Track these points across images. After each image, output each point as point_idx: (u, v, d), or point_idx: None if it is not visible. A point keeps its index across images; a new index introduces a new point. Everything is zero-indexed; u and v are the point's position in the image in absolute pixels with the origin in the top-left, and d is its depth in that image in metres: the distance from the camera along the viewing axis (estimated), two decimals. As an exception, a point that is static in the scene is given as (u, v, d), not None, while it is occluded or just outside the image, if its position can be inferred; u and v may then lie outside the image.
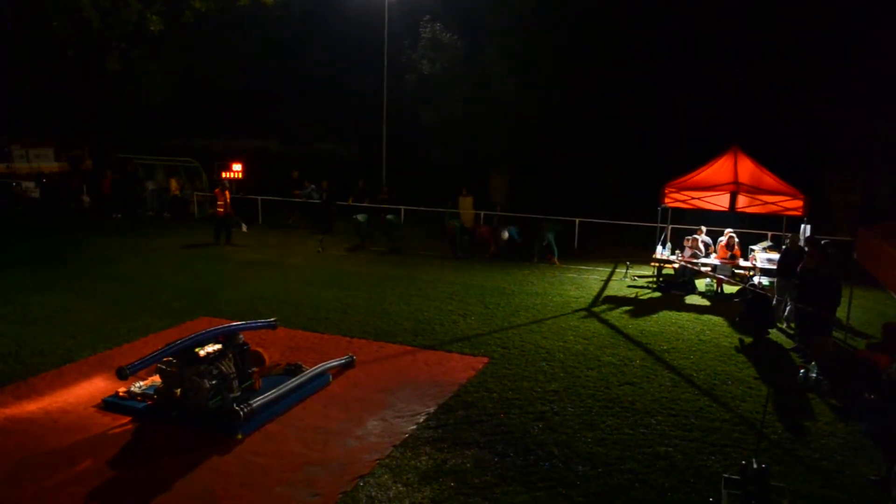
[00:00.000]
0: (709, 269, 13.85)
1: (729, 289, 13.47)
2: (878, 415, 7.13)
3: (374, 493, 5.82)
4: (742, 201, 13.41)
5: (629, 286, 14.18)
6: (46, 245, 17.13)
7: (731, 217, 14.06)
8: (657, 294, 13.60)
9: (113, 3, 22.96)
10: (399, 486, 5.96)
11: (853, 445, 6.97)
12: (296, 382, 7.71)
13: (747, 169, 13.43)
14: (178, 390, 7.02)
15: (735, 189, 13.23)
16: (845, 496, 5.99)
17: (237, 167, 25.85)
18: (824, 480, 6.25)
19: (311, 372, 8.04)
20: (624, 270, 15.40)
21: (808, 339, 9.75)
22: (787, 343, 10.57)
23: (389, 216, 18.40)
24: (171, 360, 6.98)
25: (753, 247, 14.46)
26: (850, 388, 8.08)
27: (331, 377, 8.33)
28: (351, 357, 8.93)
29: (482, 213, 20.28)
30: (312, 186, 21.09)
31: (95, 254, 16.08)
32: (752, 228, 15.97)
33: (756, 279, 12.98)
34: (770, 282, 13.02)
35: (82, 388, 7.89)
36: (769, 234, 16.08)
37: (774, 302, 11.61)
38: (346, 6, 27.08)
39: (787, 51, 21.87)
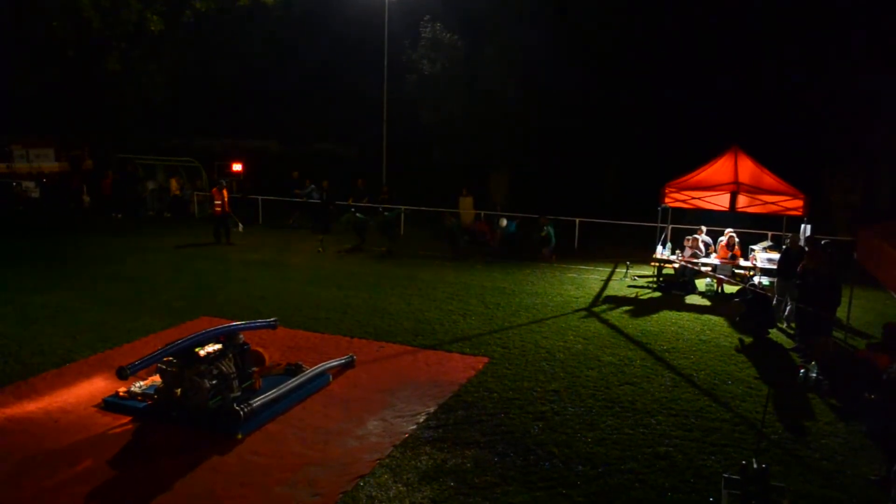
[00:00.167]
0: (709, 268, 13.85)
1: (729, 289, 13.47)
2: (879, 415, 7.12)
3: (374, 493, 5.82)
4: (742, 201, 13.40)
5: (629, 286, 14.18)
6: (46, 245, 17.13)
7: (731, 217, 14.06)
8: (657, 294, 13.60)
9: (113, 3, 22.97)
10: (399, 485, 5.96)
11: (853, 445, 6.97)
12: (296, 382, 7.70)
13: (747, 169, 13.43)
14: (179, 390, 7.02)
15: (735, 189, 13.22)
16: (845, 496, 5.99)
17: (237, 167, 25.87)
18: (824, 480, 6.25)
19: (311, 372, 8.03)
20: (624, 270, 15.40)
21: (809, 339, 9.75)
22: (787, 343, 10.57)
23: (387, 212, 18.34)
24: (171, 360, 6.98)
25: (754, 247, 14.47)
26: (850, 388, 8.07)
27: (331, 377, 8.33)
28: (351, 357, 8.93)
29: (482, 212, 20.29)
30: (313, 186, 21.10)
31: (95, 254, 16.08)
32: (752, 228, 15.97)
33: (756, 279, 12.99)
34: (770, 282, 13.02)
35: (82, 388, 7.89)
36: (769, 234, 16.08)
37: (775, 302, 11.61)
38: (346, 6, 27.09)
39: (788, 51, 21.88)
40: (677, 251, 14.43)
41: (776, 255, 12.86)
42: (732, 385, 8.54)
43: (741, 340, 10.47)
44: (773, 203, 13.16)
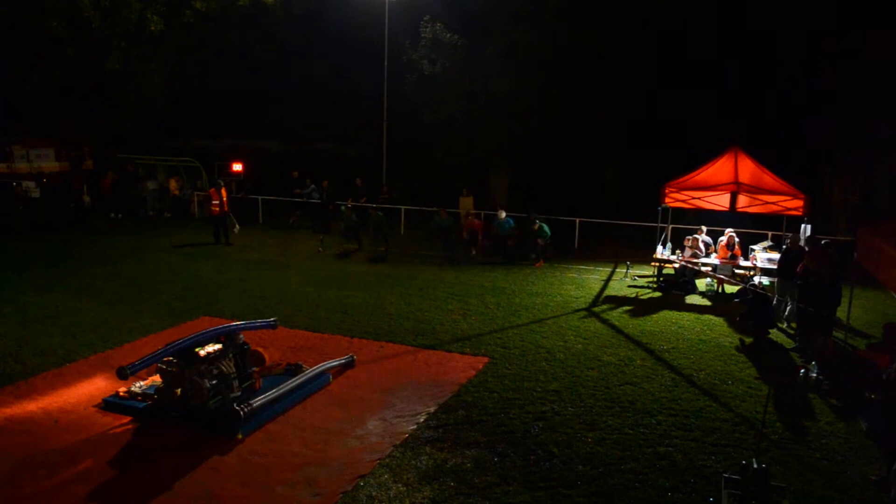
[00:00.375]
0: (709, 268, 13.85)
1: (730, 289, 13.46)
2: (879, 414, 7.13)
3: (374, 493, 5.82)
4: (742, 201, 13.40)
5: (629, 286, 14.18)
6: (46, 245, 17.12)
7: (731, 217, 14.06)
8: (657, 294, 13.60)
9: (113, 3, 22.95)
10: (399, 485, 5.97)
11: (853, 445, 6.97)
12: (296, 382, 7.71)
13: (747, 169, 13.43)
14: (179, 390, 7.02)
15: (735, 189, 13.23)
16: (845, 496, 5.99)
17: (237, 167, 25.85)
18: (824, 480, 6.25)
19: (311, 372, 8.04)
20: (624, 270, 15.39)
21: (809, 339, 9.75)
22: (787, 343, 10.57)
23: (379, 213, 18.26)
24: (171, 360, 6.99)
25: (754, 247, 14.46)
26: (850, 388, 8.08)
27: (331, 377, 8.33)
28: (351, 357, 8.93)
29: (483, 212, 20.28)
30: (313, 186, 21.09)
31: (95, 254, 16.08)
32: (752, 228, 15.96)
33: (756, 279, 12.99)
34: (770, 282, 13.02)
35: (83, 388, 7.90)
36: (769, 233, 16.08)
37: (775, 302, 11.61)
38: (346, 6, 27.05)
39: (788, 50, 21.87)
40: (677, 251, 14.42)
41: (776, 255, 12.86)
42: (732, 385, 8.54)
43: (741, 340, 10.48)
44: (773, 203, 13.16)
